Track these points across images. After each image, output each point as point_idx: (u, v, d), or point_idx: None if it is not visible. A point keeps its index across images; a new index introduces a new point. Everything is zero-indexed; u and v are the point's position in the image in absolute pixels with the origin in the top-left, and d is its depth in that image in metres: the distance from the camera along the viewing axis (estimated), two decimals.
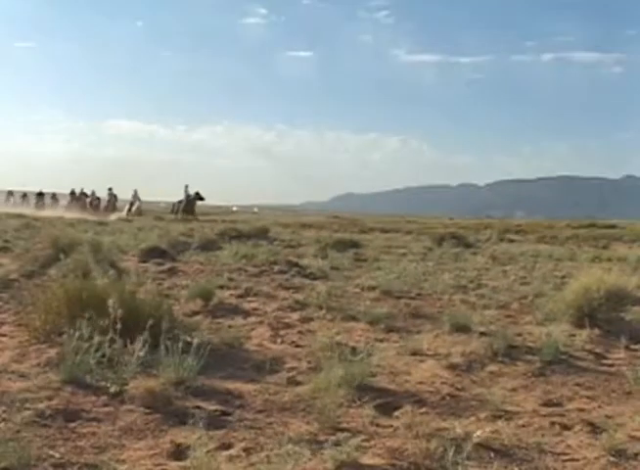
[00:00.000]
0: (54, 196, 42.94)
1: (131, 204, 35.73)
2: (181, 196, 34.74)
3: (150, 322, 4.18)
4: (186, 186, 34.25)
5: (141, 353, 3.99)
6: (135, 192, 36.65)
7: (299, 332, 5.63)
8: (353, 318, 6.15)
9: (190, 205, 33.63)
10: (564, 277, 9.30)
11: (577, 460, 3.20)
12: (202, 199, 34.65)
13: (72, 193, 40.59)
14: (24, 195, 44.00)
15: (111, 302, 4.12)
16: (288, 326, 5.83)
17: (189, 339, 4.21)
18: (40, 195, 41.92)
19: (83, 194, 40.21)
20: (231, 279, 8.05)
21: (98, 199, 39.64)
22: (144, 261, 9.53)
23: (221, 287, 7.39)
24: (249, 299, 7.04)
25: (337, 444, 3.12)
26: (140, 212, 33.96)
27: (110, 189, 38.72)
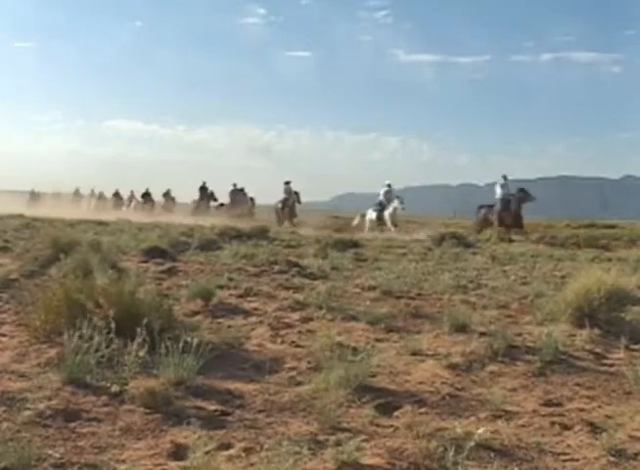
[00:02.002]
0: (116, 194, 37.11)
1: (382, 207, 23.49)
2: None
3: (149, 322, 4.18)
4: (504, 176, 22.03)
5: (141, 353, 4.00)
6: (389, 186, 24.05)
7: (299, 332, 5.63)
8: (353, 318, 6.14)
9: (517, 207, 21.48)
10: (564, 277, 9.29)
11: (577, 460, 3.21)
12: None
13: (167, 193, 32.78)
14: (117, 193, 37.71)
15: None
16: (288, 326, 5.82)
17: (189, 339, 4.21)
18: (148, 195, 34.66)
19: (204, 190, 30.76)
20: (231, 279, 8.04)
21: (215, 199, 30.82)
22: (144, 261, 9.52)
23: (221, 287, 7.37)
24: (249, 299, 7.03)
25: (337, 443, 3.13)
26: (395, 223, 22.91)
27: (239, 188, 29.38)
